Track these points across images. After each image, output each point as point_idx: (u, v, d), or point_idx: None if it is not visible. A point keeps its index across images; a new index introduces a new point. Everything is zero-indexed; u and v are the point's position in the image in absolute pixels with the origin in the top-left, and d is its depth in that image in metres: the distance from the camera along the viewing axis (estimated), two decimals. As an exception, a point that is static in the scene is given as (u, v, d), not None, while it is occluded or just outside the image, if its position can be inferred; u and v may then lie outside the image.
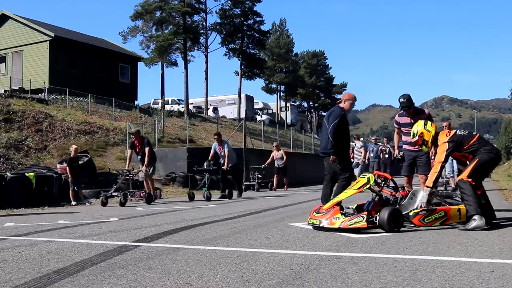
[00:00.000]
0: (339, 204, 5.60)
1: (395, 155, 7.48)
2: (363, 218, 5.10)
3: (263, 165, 17.94)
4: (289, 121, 52.41)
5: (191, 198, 11.95)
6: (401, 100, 6.86)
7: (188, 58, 36.35)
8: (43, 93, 26.88)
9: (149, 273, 3.26)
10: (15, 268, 3.50)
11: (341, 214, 5.38)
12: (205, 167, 12.25)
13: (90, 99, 26.68)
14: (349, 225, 5.12)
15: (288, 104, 54.97)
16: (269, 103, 54.87)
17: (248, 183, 17.88)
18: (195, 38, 36.44)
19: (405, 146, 7.37)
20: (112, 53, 32.89)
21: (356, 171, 14.83)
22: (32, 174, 11.63)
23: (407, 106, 6.87)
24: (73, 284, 2.97)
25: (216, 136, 12.85)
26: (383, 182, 5.70)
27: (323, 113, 70.09)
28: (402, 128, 7.25)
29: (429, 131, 5.66)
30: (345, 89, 69.63)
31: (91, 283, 2.99)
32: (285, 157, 17.49)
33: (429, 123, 5.75)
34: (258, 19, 40.70)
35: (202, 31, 38.70)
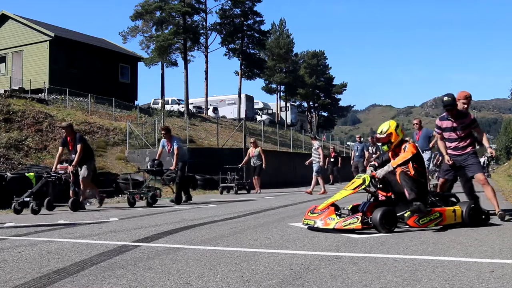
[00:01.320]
0: (334, 204, 5.60)
1: (446, 161, 6.57)
2: (358, 219, 5.10)
3: (239, 165, 16.61)
4: (289, 121, 52.40)
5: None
6: (445, 98, 6.21)
7: (188, 58, 36.33)
8: (43, 93, 26.85)
9: (149, 273, 3.26)
10: (15, 268, 3.50)
11: (336, 215, 5.38)
12: (149, 167, 10.86)
13: (90, 99, 26.67)
14: (344, 226, 5.12)
15: (288, 104, 54.94)
16: (269, 103, 54.86)
17: (225, 184, 16.22)
18: (195, 38, 36.41)
19: (448, 151, 6.55)
20: (112, 53, 32.87)
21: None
22: (32, 174, 11.63)
23: (451, 105, 6.19)
24: (73, 284, 2.98)
25: (163, 132, 11.08)
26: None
27: (323, 113, 70.07)
28: (444, 133, 6.53)
29: (398, 135, 5.80)
30: (345, 89, 69.42)
31: (91, 283, 2.99)
32: (263, 156, 15.99)
33: (399, 128, 5.84)
34: (258, 19, 40.68)
35: (202, 31, 38.67)
